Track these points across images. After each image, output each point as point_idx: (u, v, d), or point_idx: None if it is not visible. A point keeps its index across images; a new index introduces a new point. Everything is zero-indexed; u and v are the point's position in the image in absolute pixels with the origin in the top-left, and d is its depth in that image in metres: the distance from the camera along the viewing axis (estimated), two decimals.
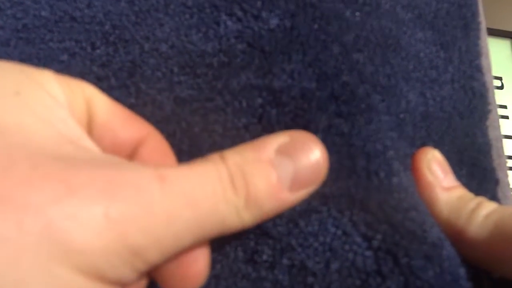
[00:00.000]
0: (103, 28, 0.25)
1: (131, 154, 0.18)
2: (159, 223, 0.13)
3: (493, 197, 0.29)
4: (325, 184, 0.21)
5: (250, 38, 0.24)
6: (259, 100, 0.23)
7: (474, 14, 0.33)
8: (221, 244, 0.22)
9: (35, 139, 0.13)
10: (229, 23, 0.24)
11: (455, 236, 0.21)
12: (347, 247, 0.21)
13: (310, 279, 0.20)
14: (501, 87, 1.17)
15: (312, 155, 0.17)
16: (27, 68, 0.16)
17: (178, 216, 0.14)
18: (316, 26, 0.24)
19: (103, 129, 0.18)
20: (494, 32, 1.22)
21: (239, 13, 0.24)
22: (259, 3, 0.24)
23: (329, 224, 0.21)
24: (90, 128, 0.17)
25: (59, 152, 0.13)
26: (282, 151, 0.16)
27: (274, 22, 0.24)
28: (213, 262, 0.21)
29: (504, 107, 1.14)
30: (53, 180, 0.12)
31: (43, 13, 0.25)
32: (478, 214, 0.21)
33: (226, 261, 0.21)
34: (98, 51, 0.25)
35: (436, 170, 0.23)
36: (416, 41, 0.28)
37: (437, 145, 0.26)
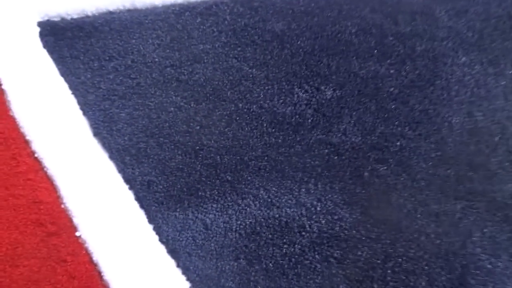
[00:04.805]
0: (204, 90, 0.35)
1: None
2: None
3: None
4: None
5: (315, 105, 0.33)
6: (326, 150, 0.32)
7: None
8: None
9: None
10: (300, 93, 0.34)
11: None
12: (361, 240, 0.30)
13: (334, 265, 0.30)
14: None
15: None
16: None
17: None
18: (356, 91, 0.32)
19: None
20: None
21: (306, 87, 0.34)
22: (319, 80, 0.33)
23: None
24: None
25: None
26: None
27: (329, 93, 0.33)
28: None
29: None
30: None
31: (153, 75, 0.36)
32: None
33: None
34: (200, 106, 0.35)
35: None
36: (458, 66, 0.33)
37: (489, 158, 0.31)
